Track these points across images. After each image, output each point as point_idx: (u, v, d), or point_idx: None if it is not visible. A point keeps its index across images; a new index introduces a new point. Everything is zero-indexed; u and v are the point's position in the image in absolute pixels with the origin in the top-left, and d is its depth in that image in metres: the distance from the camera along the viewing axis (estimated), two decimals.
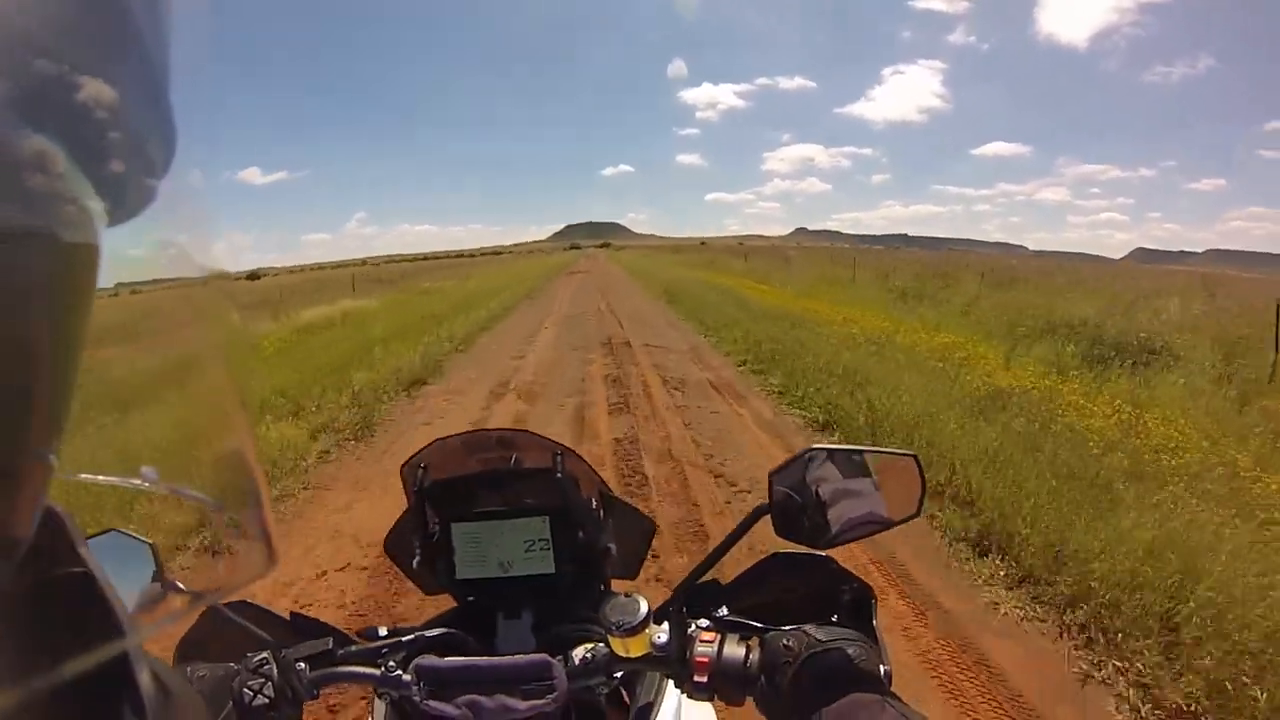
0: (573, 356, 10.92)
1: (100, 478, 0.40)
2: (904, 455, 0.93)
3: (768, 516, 0.91)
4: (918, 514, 0.92)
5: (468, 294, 24.57)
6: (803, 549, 0.93)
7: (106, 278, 0.27)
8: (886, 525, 0.92)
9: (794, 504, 0.91)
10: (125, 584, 0.67)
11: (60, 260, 0.24)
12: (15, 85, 0.21)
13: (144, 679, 0.35)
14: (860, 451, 0.94)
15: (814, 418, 7.10)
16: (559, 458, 1.11)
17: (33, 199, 0.22)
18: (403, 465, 1.14)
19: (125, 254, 0.28)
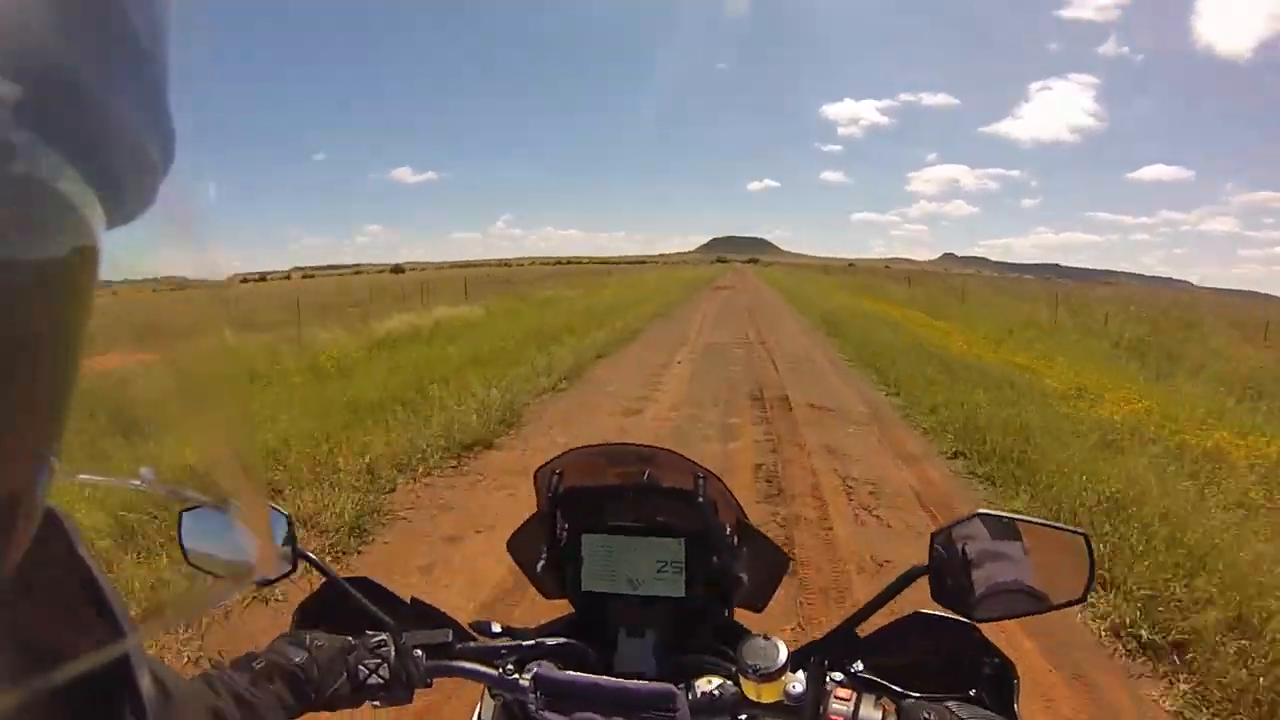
0: (710, 419, 7.73)
1: (99, 478, 0.41)
2: (1074, 533, 0.90)
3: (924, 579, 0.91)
4: (1083, 599, 0.88)
5: (593, 306, 22.04)
6: (949, 614, 0.91)
7: (106, 279, 0.27)
8: (1043, 604, 0.88)
9: (949, 568, 0.90)
10: (253, 546, 0.75)
11: (59, 262, 0.24)
12: (11, 86, 0.21)
13: (144, 680, 0.35)
14: (1028, 522, 0.91)
15: (1137, 634, 3.51)
16: (701, 481, 1.07)
17: (31, 201, 0.22)
18: (538, 469, 1.14)
19: (125, 256, 0.28)
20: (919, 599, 0.94)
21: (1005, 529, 0.90)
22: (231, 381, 0.35)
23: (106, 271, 0.26)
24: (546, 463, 1.13)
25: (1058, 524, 0.92)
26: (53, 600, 0.32)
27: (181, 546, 0.96)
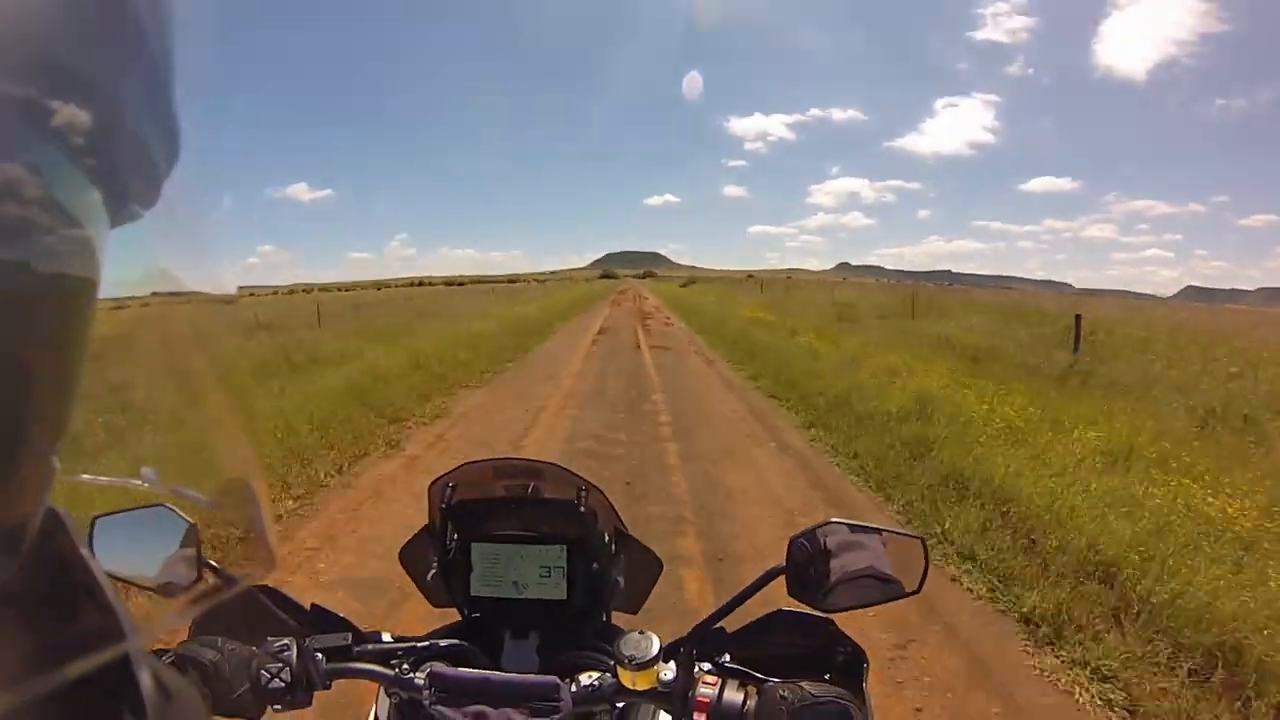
0: None
1: (101, 478, 0.41)
2: (912, 537, 0.98)
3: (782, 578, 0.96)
4: (918, 591, 0.94)
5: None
6: (808, 610, 0.97)
7: (109, 280, 0.26)
8: (891, 591, 0.94)
9: (806, 567, 0.95)
10: (162, 556, 0.84)
11: (64, 261, 0.24)
12: (16, 88, 0.21)
13: (144, 680, 0.35)
14: (875, 530, 0.97)
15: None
16: (583, 493, 1.13)
17: (34, 201, 0.22)
18: (431, 483, 1.16)
19: (128, 256, 0.28)
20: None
21: (854, 533, 0.96)
22: (236, 378, 0.33)
23: (109, 272, 0.25)
24: (439, 477, 1.16)
25: (899, 529, 1.00)
26: (53, 600, 0.31)
27: (97, 574, 0.75)
